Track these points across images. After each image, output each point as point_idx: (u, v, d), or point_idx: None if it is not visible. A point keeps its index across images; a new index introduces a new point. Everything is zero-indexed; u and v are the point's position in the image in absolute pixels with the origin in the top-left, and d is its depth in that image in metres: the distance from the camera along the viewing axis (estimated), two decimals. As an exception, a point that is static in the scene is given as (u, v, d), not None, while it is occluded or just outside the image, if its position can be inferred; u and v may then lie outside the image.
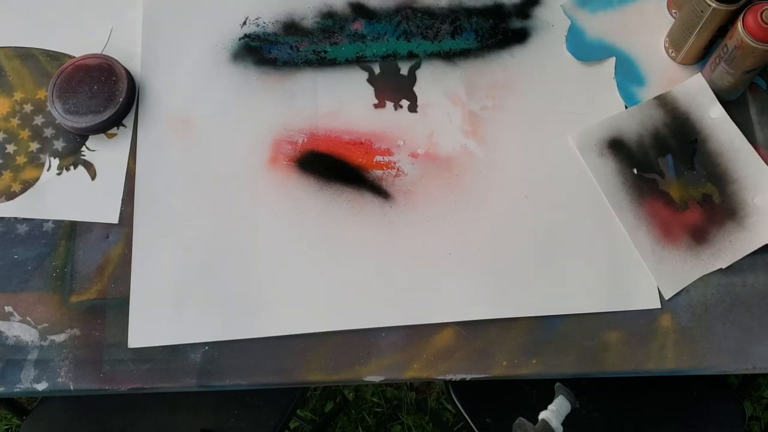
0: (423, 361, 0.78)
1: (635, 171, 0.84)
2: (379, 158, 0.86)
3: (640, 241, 0.81)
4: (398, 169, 0.86)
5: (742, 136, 0.85)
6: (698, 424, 0.99)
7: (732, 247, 0.81)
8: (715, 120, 0.85)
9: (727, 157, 0.84)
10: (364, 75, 0.90)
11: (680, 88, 0.87)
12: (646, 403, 1.00)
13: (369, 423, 1.44)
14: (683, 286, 0.80)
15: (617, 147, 0.85)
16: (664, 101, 0.87)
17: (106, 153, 0.87)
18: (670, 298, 0.79)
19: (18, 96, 0.91)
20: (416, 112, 0.88)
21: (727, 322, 0.79)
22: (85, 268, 0.82)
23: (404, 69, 0.90)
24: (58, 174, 0.87)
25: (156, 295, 0.81)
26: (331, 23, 0.93)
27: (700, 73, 0.88)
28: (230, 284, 0.81)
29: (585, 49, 0.91)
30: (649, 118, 0.86)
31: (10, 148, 0.88)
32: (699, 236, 0.81)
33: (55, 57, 0.92)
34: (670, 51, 0.89)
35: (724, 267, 0.80)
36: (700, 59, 0.89)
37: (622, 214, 0.82)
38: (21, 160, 0.88)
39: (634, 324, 0.79)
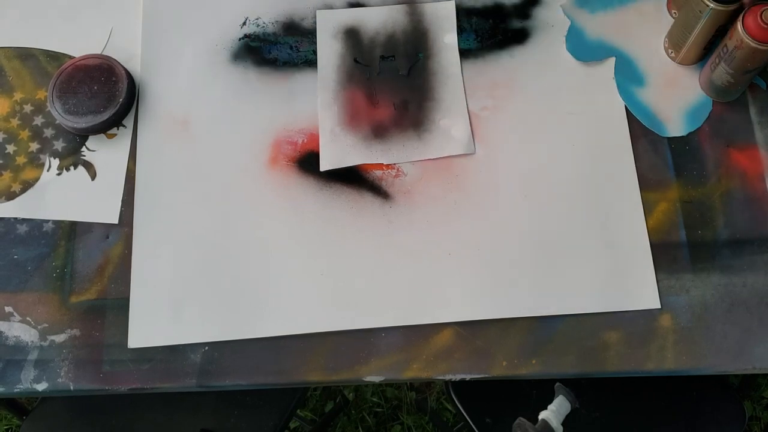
0: (423, 362, 0.78)
1: (355, 59, 0.90)
2: (378, 158, 0.87)
3: (325, 118, 0.87)
4: (398, 169, 0.86)
5: (459, 67, 0.89)
6: (698, 424, 0.99)
7: (402, 150, 0.86)
8: (446, 44, 0.91)
9: (439, 78, 0.89)
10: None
11: (431, 7, 0.93)
12: (646, 403, 1.00)
13: (369, 423, 1.44)
14: (340, 166, 0.85)
15: (351, 35, 0.91)
16: (412, 11, 0.93)
17: (106, 153, 0.88)
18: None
19: (18, 96, 0.91)
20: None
21: (727, 322, 0.79)
22: (85, 268, 0.82)
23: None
24: (58, 174, 0.87)
25: (156, 296, 0.81)
26: (330, 23, 0.93)
27: (453, 1, 0.93)
28: (230, 284, 0.81)
29: (585, 49, 0.91)
30: (392, 21, 0.92)
31: (10, 149, 0.88)
32: (379, 131, 0.87)
33: (55, 57, 0.92)
34: (670, 51, 0.89)
35: (384, 162, 0.85)
36: (699, 59, 0.89)
37: (323, 91, 0.89)
38: (21, 160, 0.88)
39: (633, 324, 0.79)
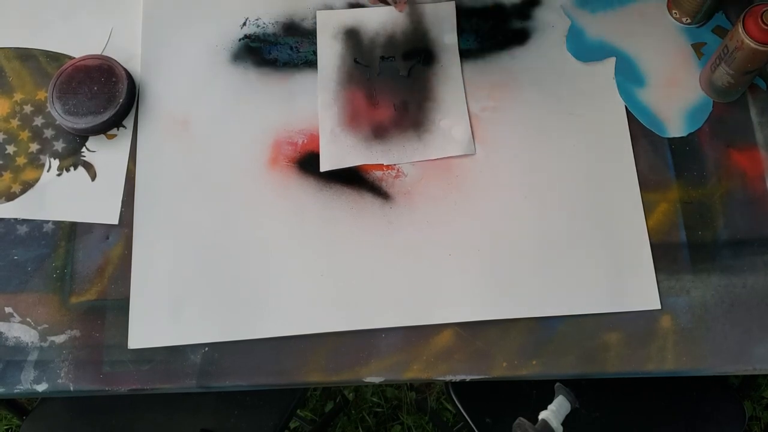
0: (423, 362, 0.78)
1: (355, 59, 0.90)
2: (378, 159, 0.87)
3: (325, 119, 0.87)
4: (398, 169, 0.86)
5: (459, 68, 0.89)
6: (698, 424, 0.99)
7: (402, 151, 0.86)
8: (446, 45, 0.90)
9: (439, 79, 0.89)
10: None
11: (431, 8, 0.92)
12: (646, 403, 1.00)
13: (369, 423, 1.44)
14: (340, 166, 0.85)
15: (351, 35, 0.91)
16: (412, 12, 0.92)
17: (106, 154, 0.87)
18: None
19: (18, 97, 0.91)
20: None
21: (727, 323, 0.79)
22: (85, 269, 0.82)
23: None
24: (58, 175, 0.87)
25: (156, 296, 0.81)
26: (330, 23, 0.93)
27: (453, 2, 0.92)
28: (230, 285, 0.81)
29: (585, 49, 0.91)
30: (392, 22, 0.91)
31: (10, 149, 0.88)
32: (379, 132, 0.87)
33: (55, 58, 0.92)
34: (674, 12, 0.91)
35: (385, 163, 0.85)
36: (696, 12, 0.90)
37: (323, 92, 0.89)
38: (21, 160, 0.88)
39: (633, 325, 0.79)
